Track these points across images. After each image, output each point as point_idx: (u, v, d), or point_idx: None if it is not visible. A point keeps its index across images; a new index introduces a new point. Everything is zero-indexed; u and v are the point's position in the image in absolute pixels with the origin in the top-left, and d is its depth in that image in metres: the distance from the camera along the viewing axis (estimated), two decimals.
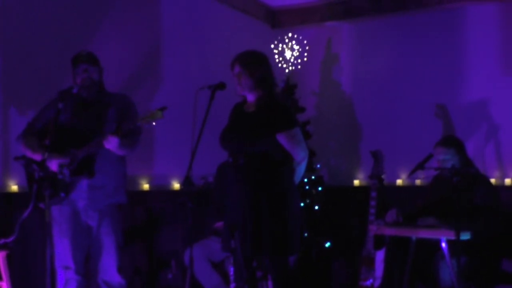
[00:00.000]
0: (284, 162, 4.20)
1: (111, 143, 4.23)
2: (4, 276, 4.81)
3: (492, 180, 5.55)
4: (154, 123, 4.16)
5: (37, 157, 4.30)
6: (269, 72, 4.25)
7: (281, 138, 4.15)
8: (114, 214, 4.51)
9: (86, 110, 4.47)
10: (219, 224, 5.15)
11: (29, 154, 4.37)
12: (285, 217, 4.10)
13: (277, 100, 4.24)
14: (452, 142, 5.06)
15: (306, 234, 6.33)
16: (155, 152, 6.06)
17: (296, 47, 6.57)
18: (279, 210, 4.09)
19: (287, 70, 6.55)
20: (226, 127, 4.32)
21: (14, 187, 5.21)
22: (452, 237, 4.44)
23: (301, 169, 4.26)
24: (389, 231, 4.99)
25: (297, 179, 4.27)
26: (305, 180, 6.44)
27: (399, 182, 6.45)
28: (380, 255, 5.33)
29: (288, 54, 6.56)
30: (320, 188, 6.57)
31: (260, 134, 4.11)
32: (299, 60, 6.59)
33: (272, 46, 6.56)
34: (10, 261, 4.94)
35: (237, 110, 4.36)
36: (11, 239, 4.58)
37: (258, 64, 4.22)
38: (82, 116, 4.45)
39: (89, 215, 4.45)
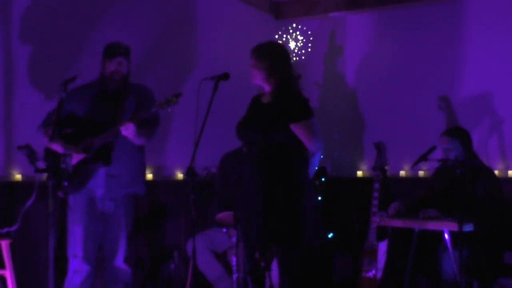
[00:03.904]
0: (299, 152, 4.20)
1: (128, 130, 4.25)
2: (7, 264, 4.83)
3: (496, 172, 5.54)
4: (169, 110, 4.17)
5: (55, 147, 4.33)
6: (281, 62, 4.24)
7: (296, 129, 4.15)
8: (128, 205, 4.54)
9: (105, 101, 4.49)
10: (222, 215, 5.15)
11: (47, 143, 4.39)
12: (298, 209, 4.09)
13: (293, 89, 4.23)
14: (457, 133, 5.05)
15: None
16: (159, 142, 6.05)
17: (300, 37, 6.56)
18: (292, 201, 4.08)
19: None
20: (242, 118, 4.32)
21: (18, 176, 5.22)
22: (455, 229, 4.44)
23: (315, 160, 4.26)
24: (391, 223, 4.99)
25: (311, 170, 4.26)
26: None
27: (402, 173, 6.44)
28: (382, 247, 5.33)
29: (292, 44, 6.55)
30: (323, 179, 6.57)
31: (275, 124, 4.12)
32: (303, 51, 6.57)
33: (276, 36, 6.55)
34: (13, 250, 4.95)
35: (255, 102, 4.36)
36: (14, 228, 4.60)
37: (268, 55, 4.22)
38: (101, 107, 4.47)
39: (105, 204, 4.48)
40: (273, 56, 4.22)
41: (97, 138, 4.33)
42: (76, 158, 4.34)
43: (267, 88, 4.27)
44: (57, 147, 4.30)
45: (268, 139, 4.12)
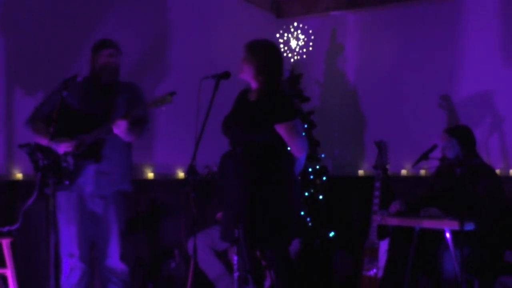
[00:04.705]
0: (284, 151, 4.19)
1: (120, 128, 4.25)
2: (8, 263, 4.83)
3: (497, 171, 5.54)
4: (163, 108, 4.18)
5: (45, 142, 4.32)
6: (272, 60, 4.22)
7: (280, 130, 4.12)
8: (119, 202, 4.53)
9: (96, 96, 4.49)
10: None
11: (38, 139, 4.38)
12: (279, 208, 4.06)
13: (280, 89, 4.21)
14: (456, 132, 5.04)
15: (310, 224, 6.34)
16: (160, 141, 6.06)
17: (301, 36, 6.56)
18: (273, 200, 4.05)
19: (292, 60, 6.54)
20: (228, 114, 4.31)
21: (19, 175, 5.22)
22: (456, 228, 4.44)
23: (300, 161, 4.23)
24: (392, 221, 4.99)
25: (298, 168, 4.24)
26: (310, 169, 6.44)
27: (403, 172, 6.44)
28: (383, 245, 5.33)
29: (293, 43, 6.55)
30: (324, 178, 6.57)
31: (258, 124, 4.10)
32: (304, 50, 6.57)
33: (278, 35, 6.55)
34: (14, 249, 4.95)
35: (242, 97, 4.35)
36: (15, 226, 4.60)
37: (260, 52, 4.21)
38: (92, 102, 4.47)
39: (95, 202, 4.47)
40: (265, 54, 4.21)
41: (88, 135, 4.33)
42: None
43: (254, 85, 4.25)
44: (56, 146, 4.30)
45: (252, 138, 4.10)
